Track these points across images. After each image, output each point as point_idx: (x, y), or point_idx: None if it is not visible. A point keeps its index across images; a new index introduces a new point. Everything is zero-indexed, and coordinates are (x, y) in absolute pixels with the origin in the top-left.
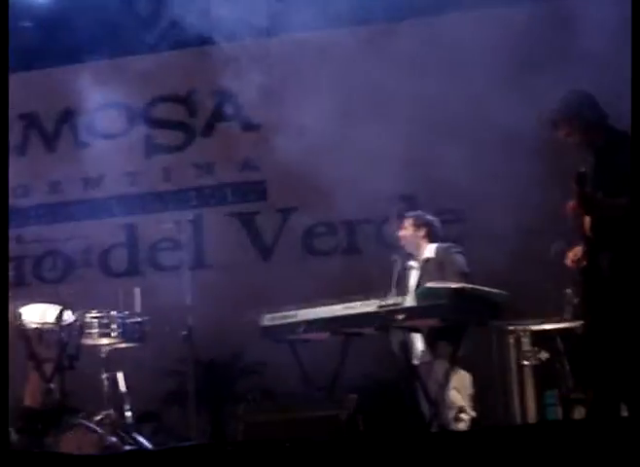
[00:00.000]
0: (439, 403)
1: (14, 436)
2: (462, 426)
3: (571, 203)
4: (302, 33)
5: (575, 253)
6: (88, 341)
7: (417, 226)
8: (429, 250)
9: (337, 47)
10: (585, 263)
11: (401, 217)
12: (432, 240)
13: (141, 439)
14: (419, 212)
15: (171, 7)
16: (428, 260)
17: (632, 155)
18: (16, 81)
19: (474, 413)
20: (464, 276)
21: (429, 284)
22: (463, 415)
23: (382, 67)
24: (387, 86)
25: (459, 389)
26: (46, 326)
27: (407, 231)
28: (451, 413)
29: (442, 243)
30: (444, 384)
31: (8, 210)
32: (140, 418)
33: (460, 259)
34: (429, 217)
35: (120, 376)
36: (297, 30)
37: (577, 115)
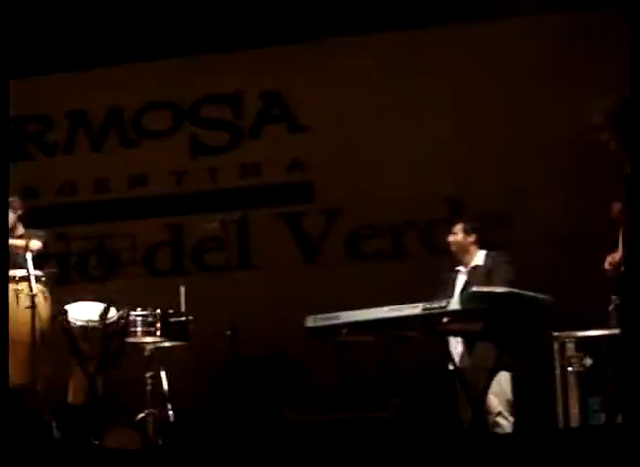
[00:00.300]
0: (479, 407)
1: (56, 432)
2: (500, 431)
3: (616, 206)
4: (349, 35)
5: (614, 257)
6: (133, 340)
7: (468, 231)
8: (478, 257)
9: (385, 49)
10: (623, 268)
11: (451, 222)
12: (481, 247)
13: (183, 437)
14: (470, 217)
15: (219, 8)
16: (476, 266)
17: (632, 155)
18: (64, 79)
19: (512, 419)
20: (511, 285)
21: (474, 288)
22: (500, 420)
23: (430, 71)
24: (433, 90)
25: (497, 394)
26: (90, 324)
27: (457, 236)
28: (491, 418)
29: (491, 251)
30: (485, 389)
31: (8, 211)
32: (182, 417)
33: (508, 267)
34: (479, 223)
35: (163, 374)
36: (345, 32)
37: (618, 119)
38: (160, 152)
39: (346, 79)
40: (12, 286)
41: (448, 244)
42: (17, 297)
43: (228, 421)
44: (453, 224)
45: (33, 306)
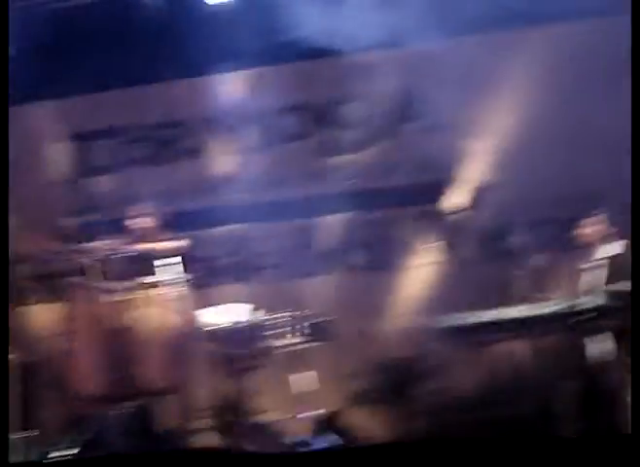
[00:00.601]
0: (619, 406)
1: (191, 437)
2: None
3: None
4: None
5: None
6: (268, 342)
7: (609, 223)
8: (619, 247)
9: (511, 47)
10: None
11: (593, 214)
12: (621, 238)
13: (321, 439)
14: (610, 210)
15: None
16: (617, 257)
17: (633, 155)
18: (196, 85)
19: None
20: None
21: (619, 284)
22: None
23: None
24: (549, 88)
25: None
26: (224, 327)
27: (598, 228)
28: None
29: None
30: (626, 387)
31: (8, 211)
32: (320, 419)
33: None
34: (619, 215)
35: (300, 376)
36: (473, 33)
37: None
38: (293, 154)
39: (474, 78)
40: (148, 291)
41: (588, 236)
42: (152, 301)
43: (366, 422)
44: (593, 216)
45: (167, 311)
